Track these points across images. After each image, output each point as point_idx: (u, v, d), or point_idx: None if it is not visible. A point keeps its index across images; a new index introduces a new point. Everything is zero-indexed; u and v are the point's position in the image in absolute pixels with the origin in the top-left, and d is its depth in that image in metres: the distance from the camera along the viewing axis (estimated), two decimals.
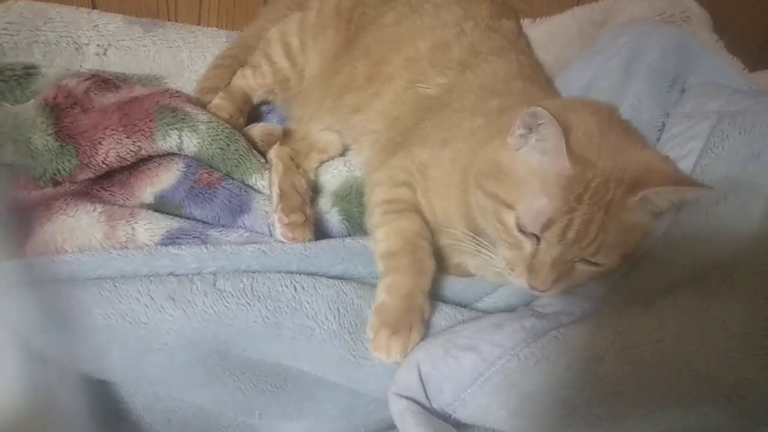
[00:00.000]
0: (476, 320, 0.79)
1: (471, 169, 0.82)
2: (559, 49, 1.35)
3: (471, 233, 0.82)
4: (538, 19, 1.50)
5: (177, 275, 0.82)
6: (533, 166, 0.75)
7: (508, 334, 0.74)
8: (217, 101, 1.18)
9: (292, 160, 1.09)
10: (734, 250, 0.77)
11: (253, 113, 1.27)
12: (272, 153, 1.10)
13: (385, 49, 1.12)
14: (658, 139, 0.98)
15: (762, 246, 0.77)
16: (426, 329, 0.79)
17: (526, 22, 1.48)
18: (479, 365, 0.72)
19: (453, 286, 0.88)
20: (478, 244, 0.81)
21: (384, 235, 0.87)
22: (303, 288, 0.81)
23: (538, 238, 0.74)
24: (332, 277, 0.86)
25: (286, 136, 1.17)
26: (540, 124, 0.72)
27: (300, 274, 0.84)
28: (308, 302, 0.80)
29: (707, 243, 0.80)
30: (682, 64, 1.05)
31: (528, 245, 0.75)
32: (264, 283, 0.81)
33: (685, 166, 0.88)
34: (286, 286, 0.81)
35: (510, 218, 0.75)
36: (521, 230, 0.74)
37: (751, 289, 0.73)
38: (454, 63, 1.05)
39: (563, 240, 0.72)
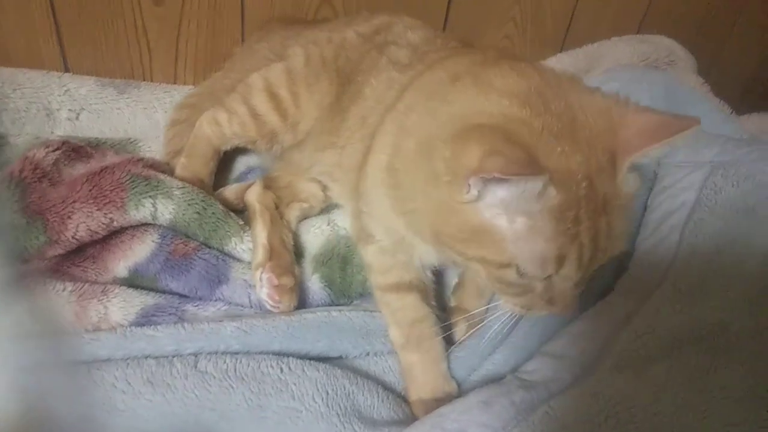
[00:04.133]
0: (464, 398, 0.75)
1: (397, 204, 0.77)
2: None
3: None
4: None
5: (155, 357, 0.78)
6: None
7: (497, 413, 0.70)
8: (179, 172, 1.07)
9: (277, 208, 1.01)
10: (731, 309, 0.75)
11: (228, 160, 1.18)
12: (253, 197, 0.99)
13: (354, 99, 1.00)
14: (651, 188, 0.96)
15: (760, 306, 0.74)
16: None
17: None
18: None
19: None
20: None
21: (387, 324, 0.87)
22: (290, 369, 0.77)
23: None
24: (316, 354, 0.83)
25: (268, 182, 1.08)
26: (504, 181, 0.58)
27: (286, 355, 0.80)
28: (295, 384, 0.76)
29: (702, 302, 0.77)
30: (671, 111, 1.03)
31: (538, 283, 0.67)
32: (248, 364, 0.77)
33: (678, 219, 0.87)
34: (272, 367, 0.77)
35: (511, 274, 0.65)
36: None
37: (751, 353, 0.70)
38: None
39: (580, 269, 0.64)
